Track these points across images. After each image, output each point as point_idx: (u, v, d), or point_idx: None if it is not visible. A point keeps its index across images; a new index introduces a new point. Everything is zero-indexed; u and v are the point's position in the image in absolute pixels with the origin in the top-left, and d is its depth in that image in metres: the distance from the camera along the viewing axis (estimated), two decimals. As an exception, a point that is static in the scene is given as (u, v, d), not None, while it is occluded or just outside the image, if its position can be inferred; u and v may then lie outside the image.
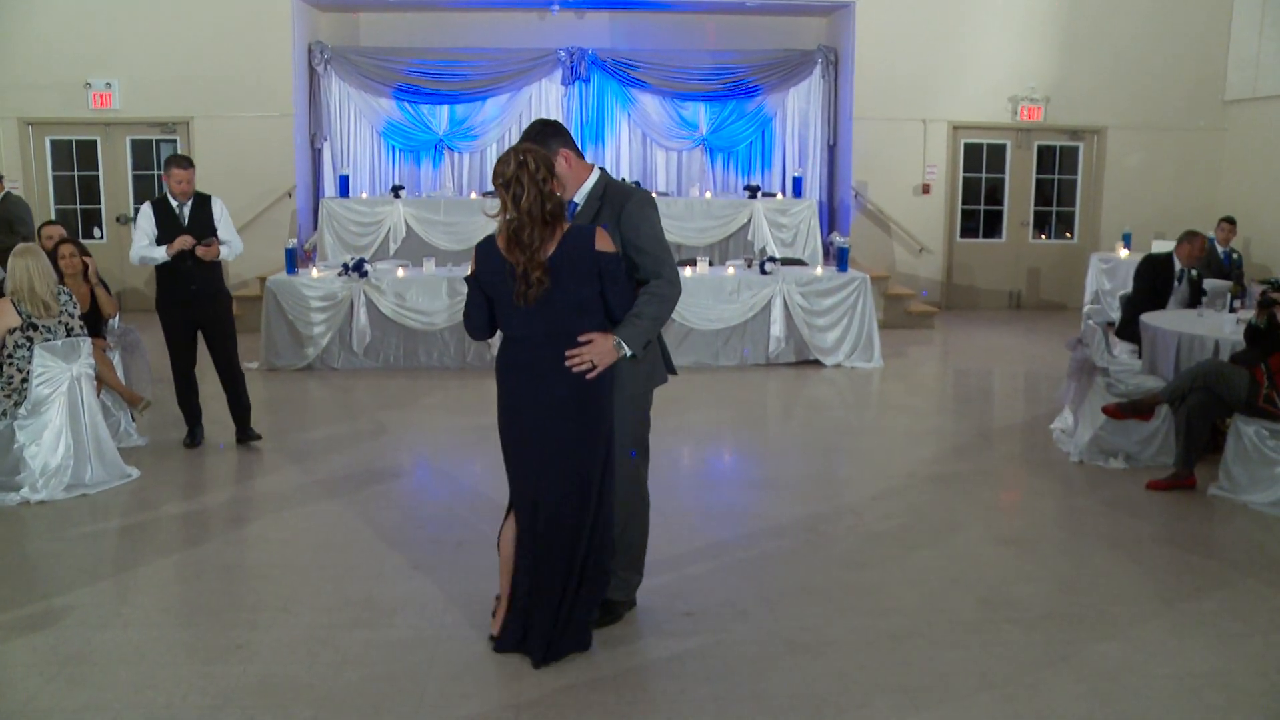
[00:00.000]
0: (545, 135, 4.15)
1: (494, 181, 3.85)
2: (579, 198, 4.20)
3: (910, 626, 4.45)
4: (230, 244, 7.07)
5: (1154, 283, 8.68)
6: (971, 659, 4.16)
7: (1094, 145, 14.20)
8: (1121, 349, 8.24)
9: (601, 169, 4.29)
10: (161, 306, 7.08)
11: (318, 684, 3.94)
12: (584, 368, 3.87)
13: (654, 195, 4.24)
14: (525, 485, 4.01)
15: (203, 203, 7.00)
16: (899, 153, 13.78)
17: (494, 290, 3.91)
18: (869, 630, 4.41)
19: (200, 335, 7.16)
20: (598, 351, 3.88)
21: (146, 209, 6.99)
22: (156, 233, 6.90)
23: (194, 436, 7.20)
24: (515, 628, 4.13)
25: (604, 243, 3.87)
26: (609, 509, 4.06)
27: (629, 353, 3.96)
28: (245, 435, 7.26)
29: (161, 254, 6.84)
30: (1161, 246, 10.76)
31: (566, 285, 3.81)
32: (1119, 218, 13.80)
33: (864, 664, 4.11)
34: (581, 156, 4.24)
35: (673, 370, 4.41)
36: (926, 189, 13.92)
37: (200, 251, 6.82)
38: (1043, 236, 14.51)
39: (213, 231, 6.96)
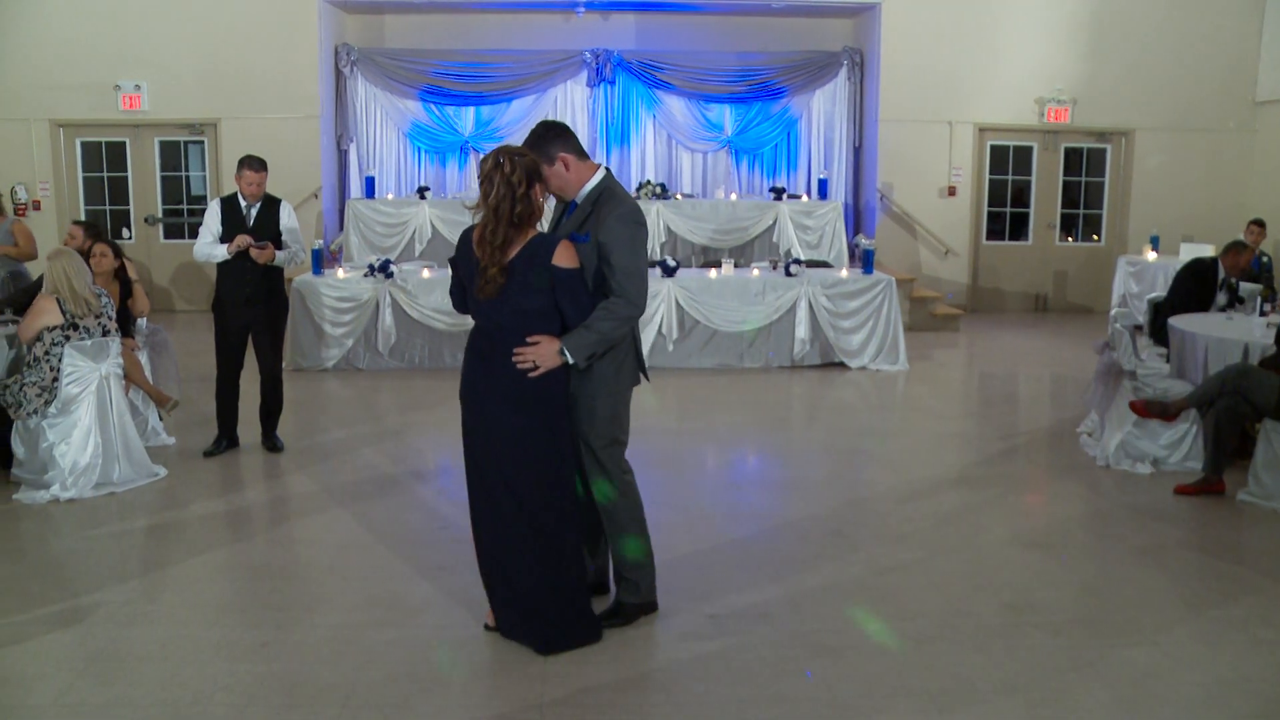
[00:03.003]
0: (545, 139, 4.20)
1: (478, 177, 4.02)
2: (579, 198, 4.24)
3: (934, 630, 4.44)
4: (291, 250, 6.99)
5: (1196, 288, 8.58)
6: (996, 664, 4.14)
7: (1122, 147, 14.10)
8: (1150, 352, 8.18)
9: (607, 170, 4.31)
10: (217, 306, 7.01)
11: (343, 683, 3.97)
12: (526, 366, 3.99)
13: (640, 215, 4.19)
14: (474, 466, 4.16)
15: (270, 205, 6.95)
16: (925, 155, 13.74)
17: (465, 278, 4.10)
18: (893, 633, 4.39)
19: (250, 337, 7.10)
20: (541, 354, 4.00)
21: (214, 206, 6.95)
22: (221, 230, 6.86)
23: (219, 445, 7.11)
24: (507, 613, 4.21)
25: (563, 257, 3.96)
26: (566, 500, 4.15)
27: (571, 360, 4.03)
28: (270, 441, 7.24)
29: (223, 252, 6.79)
30: (1191, 249, 10.70)
31: (521, 288, 3.95)
32: (1147, 220, 13.69)
33: (887, 667, 4.10)
34: (586, 158, 4.27)
35: (645, 374, 4.44)
36: (952, 191, 13.87)
37: (253, 253, 6.77)
38: (1069, 239, 14.43)
39: (277, 235, 6.91)
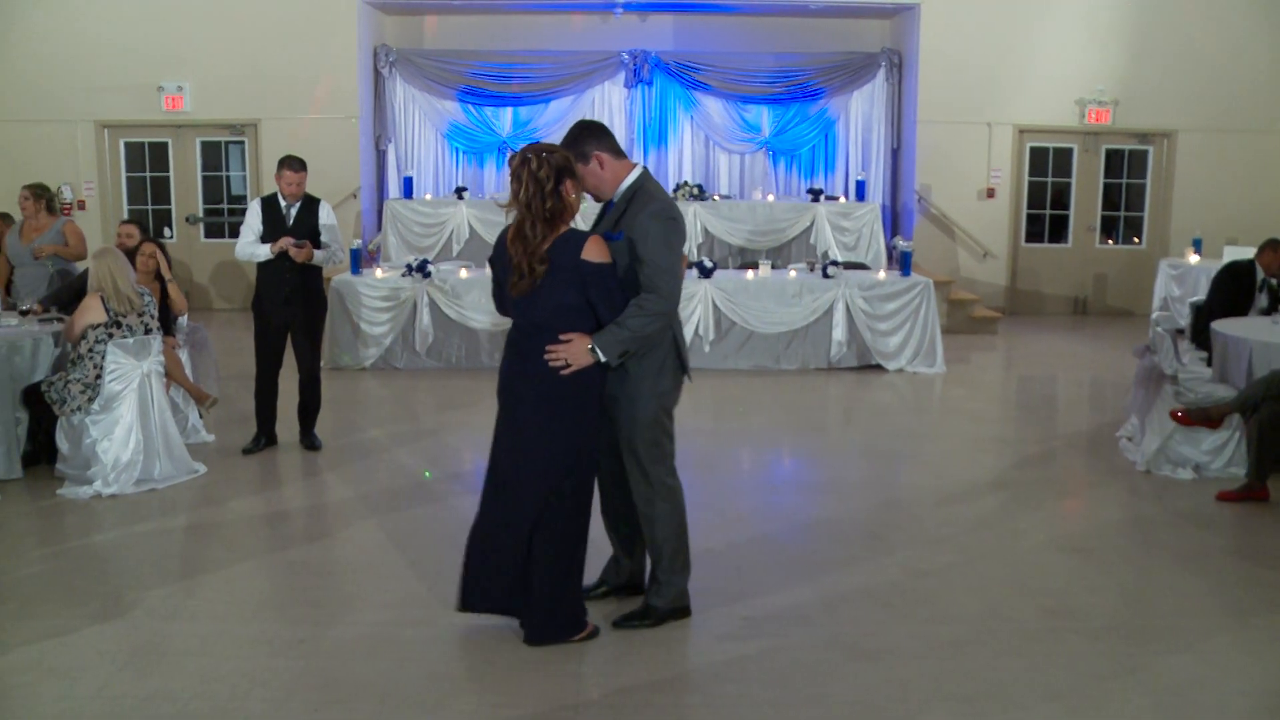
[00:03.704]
0: (580, 138, 4.22)
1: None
2: (616, 197, 4.25)
3: (971, 634, 4.40)
4: (330, 249, 7.01)
5: (1234, 291, 8.46)
6: (1034, 669, 4.10)
7: (1164, 149, 13.93)
8: (1191, 356, 8.08)
9: (644, 169, 4.31)
10: (257, 304, 7.06)
11: (379, 680, 3.99)
12: (558, 364, 3.99)
13: (676, 211, 4.17)
14: (495, 455, 4.23)
15: (310, 205, 6.98)
16: (963, 156, 13.63)
17: (501, 276, 4.13)
18: (929, 637, 4.37)
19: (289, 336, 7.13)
20: (573, 352, 4.00)
21: (255, 206, 7.00)
22: (262, 230, 6.89)
23: (257, 443, 7.16)
24: (472, 586, 4.24)
25: (593, 252, 3.97)
26: (585, 505, 4.18)
27: (603, 359, 4.01)
28: (308, 440, 7.27)
29: (265, 251, 6.82)
30: (1234, 252, 10.53)
31: (552, 285, 3.96)
32: (1189, 222, 13.52)
33: (924, 672, 4.07)
34: (623, 157, 4.27)
35: (687, 374, 4.39)
36: (991, 193, 13.76)
37: (292, 252, 6.79)
38: (1110, 242, 14.27)
39: (316, 234, 6.94)
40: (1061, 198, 14.15)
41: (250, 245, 6.90)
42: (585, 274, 3.96)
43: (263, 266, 6.93)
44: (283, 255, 6.83)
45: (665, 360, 4.25)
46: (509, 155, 4.05)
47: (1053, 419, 8.62)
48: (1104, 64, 13.52)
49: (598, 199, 4.34)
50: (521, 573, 4.17)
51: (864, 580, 4.96)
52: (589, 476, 4.21)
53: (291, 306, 6.97)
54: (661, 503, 4.31)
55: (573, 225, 4.06)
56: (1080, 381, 10.07)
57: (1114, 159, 14.06)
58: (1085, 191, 14.09)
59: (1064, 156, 14.01)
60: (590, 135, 4.24)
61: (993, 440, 7.74)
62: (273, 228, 6.89)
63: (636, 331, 4.03)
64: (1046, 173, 14.05)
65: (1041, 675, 4.05)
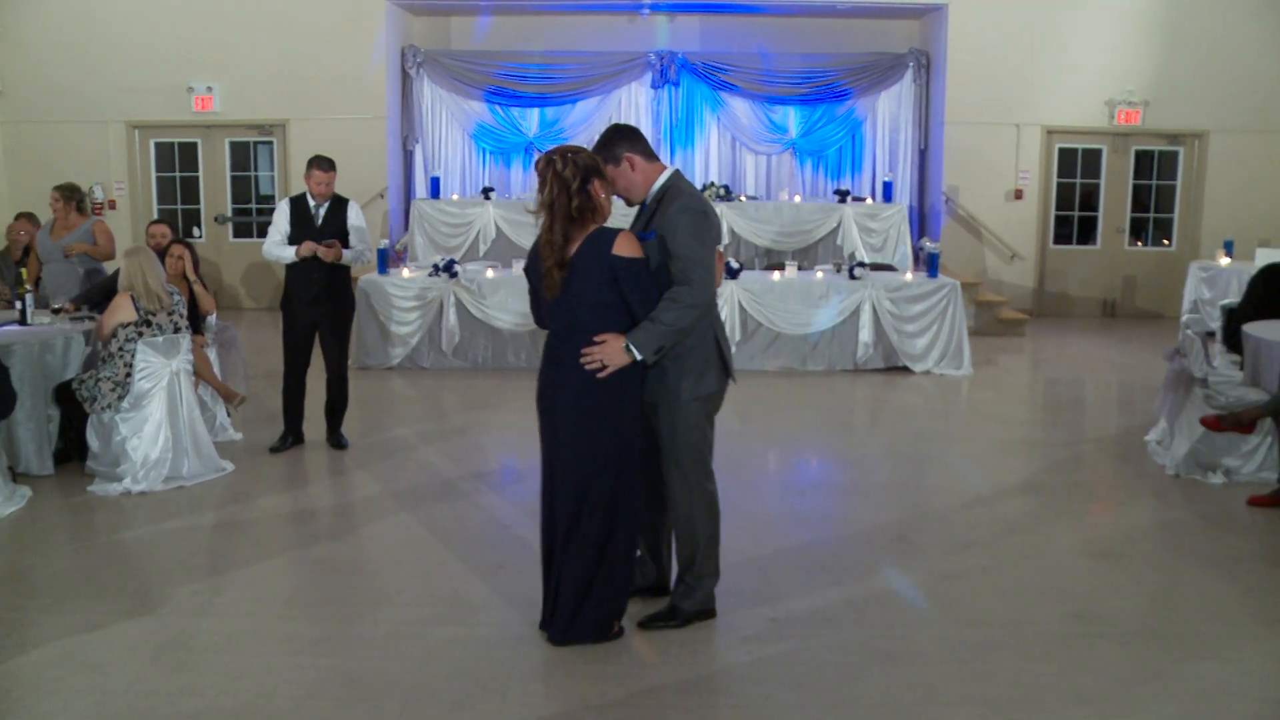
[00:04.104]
0: (612, 140, 4.24)
1: None
2: (648, 199, 4.26)
3: (998, 638, 4.38)
4: (358, 249, 7.04)
5: (1269, 294, 8.35)
6: (1062, 674, 4.08)
7: (1195, 150, 13.81)
8: (1222, 360, 8.00)
9: (676, 171, 4.30)
10: (286, 304, 7.08)
11: (404, 678, 4.01)
12: (594, 366, 3.97)
13: (706, 205, 4.15)
14: (543, 461, 4.22)
15: (338, 205, 7.00)
16: (991, 158, 13.56)
17: (536, 282, 4.11)
18: (956, 641, 4.35)
19: (317, 335, 7.16)
20: (608, 352, 3.98)
21: (284, 206, 7.01)
22: (290, 230, 6.92)
23: (284, 441, 7.19)
24: (548, 598, 4.26)
25: (624, 247, 3.96)
26: (623, 509, 4.14)
27: (639, 356, 3.99)
28: (335, 438, 7.30)
29: (290, 254, 6.86)
30: (1267, 254, 10.43)
31: (584, 284, 3.96)
32: (1220, 224, 13.38)
33: (950, 675, 4.05)
34: (654, 159, 4.27)
35: (730, 377, 4.38)
36: (1019, 194, 13.68)
37: (321, 253, 6.82)
38: (1139, 244, 14.16)
39: (344, 234, 6.96)
40: (1090, 199, 14.05)
41: (277, 247, 6.93)
42: (617, 269, 3.95)
43: (291, 266, 6.96)
44: (308, 258, 6.86)
45: (707, 362, 4.24)
46: (535, 158, 4.05)
47: (1081, 422, 8.56)
48: (1134, 64, 13.41)
49: (629, 202, 4.33)
50: (554, 573, 4.18)
51: (890, 583, 4.95)
52: (628, 482, 4.15)
53: (320, 306, 7.00)
54: (698, 506, 4.31)
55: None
56: (1109, 384, 10.00)
57: (1144, 160, 13.95)
58: (1114, 193, 13.98)
59: (1093, 157, 13.91)
60: (622, 138, 4.25)
61: (1020, 443, 7.69)
62: (301, 228, 6.92)
63: (671, 325, 4.00)
64: (1075, 174, 13.96)
65: (1069, 680, 4.03)
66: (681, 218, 4.07)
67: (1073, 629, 4.48)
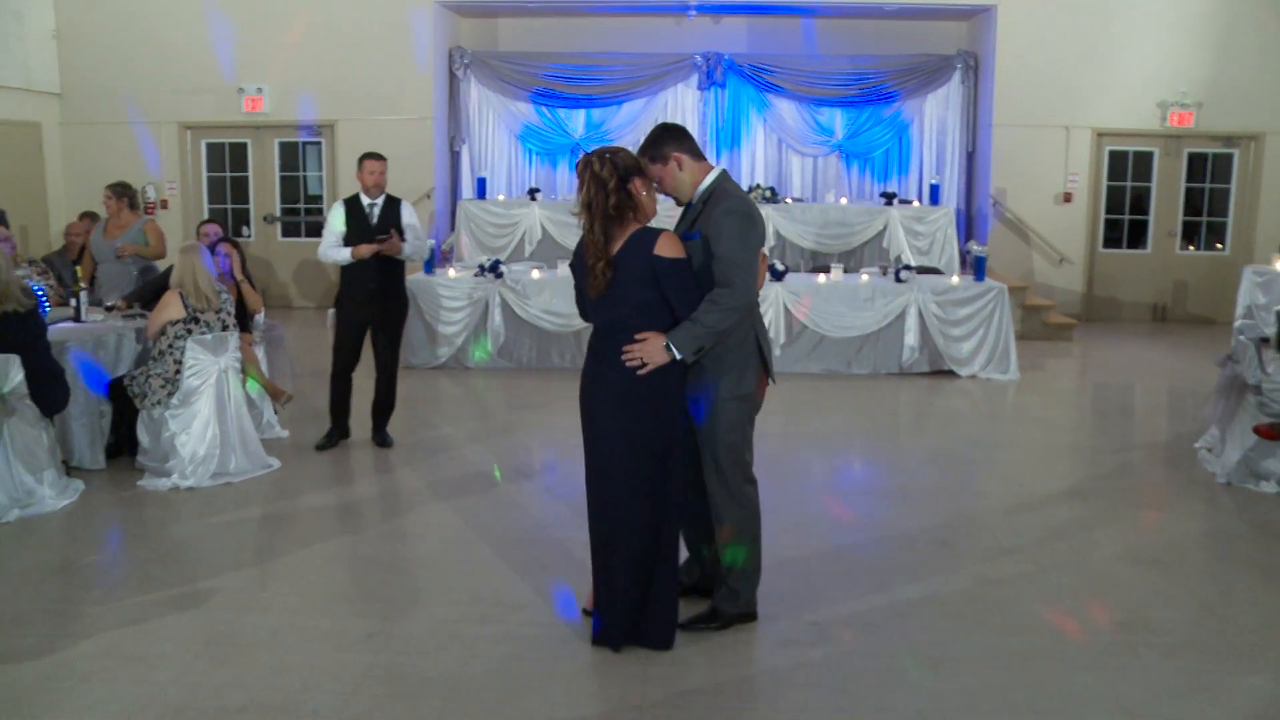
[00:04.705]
0: (660, 139, 4.25)
1: None
2: (695, 199, 4.26)
3: (1042, 646, 4.33)
4: (416, 246, 7.07)
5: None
6: (1106, 683, 4.02)
7: (1250, 152, 13.56)
8: (1277, 366, 7.86)
9: (723, 171, 4.30)
10: (340, 302, 7.14)
11: (445, 676, 4.03)
12: (635, 363, 3.99)
13: (751, 208, 4.13)
14: (588, 459, 4.22)
15: (392, 204, 7.04)
16: (1040, 160, 13.41)
17: (580, 277, 4.14)
18: (999, 647, 4.30)
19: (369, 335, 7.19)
20: (649, 350, 4.00)
21: (338, 207, 7.05)
22: (345, 230, 6.95)
23: (330, 439, 7.24)
24: (601, 602, 4.24)
25: (666, 247, 3.97)
26: (667, 508, 4.13)
27: (678, 355, 4.00)
28: (380, 437, 7.34)
29: (346, 255, 6.89)
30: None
31: (627, 283, 3.98)
32: (1276, 228, 13.15)
33: (992, 682, 4.01)
34: (702, 159, 4.28)
35: (771, 377, 4.36)
36: (1068, 197, 13.52)
37: (384, 248, 6.84)
38: (1191, 247, 13.93)
39: (400, 232, 6.99)
40: (1141, 202, 13.85)
41: (333, 249, 6.96)
42: (659, 269, 3.96)
43: (346, 266, 6.98)
44: (364, 257, 6.88)
45: (747, 362, 4.23)
46: (578, 160, 4.09)
47: (1129, 428, 8.44)
48: (1187, 65, 13.19)
49: (677, 201, 4.35)
50: (606, 577, 4.18)
51: (933, 588, 4.90)
52: (670, 482, 4.15)
53: (374, 305, 7.03)
54: (737, 509, 4.30)
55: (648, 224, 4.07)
56: (1159, 390, 9.86)
57: (1197, 163, 13.73)
58: (1166, 196, 13.77)
59: (1144, 160, 13.71)
60: (670, 137, 4.26)
61: (1067, 449, 7.60)
62: (357, 228, 6.94)
63: (711, 327, 4.01)
64: (1126, 177, 13.77)
65: (1113, 690, 3.97)
66: (727, 220, 4.07)
67: (1118, 638, 4.42)
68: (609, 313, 4.07)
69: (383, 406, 7.34)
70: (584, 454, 4.25)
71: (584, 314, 4.29)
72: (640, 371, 4.02)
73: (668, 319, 4.04)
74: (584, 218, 4.02)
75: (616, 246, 3.99)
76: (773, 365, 4.38)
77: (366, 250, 6.86)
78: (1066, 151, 13.46)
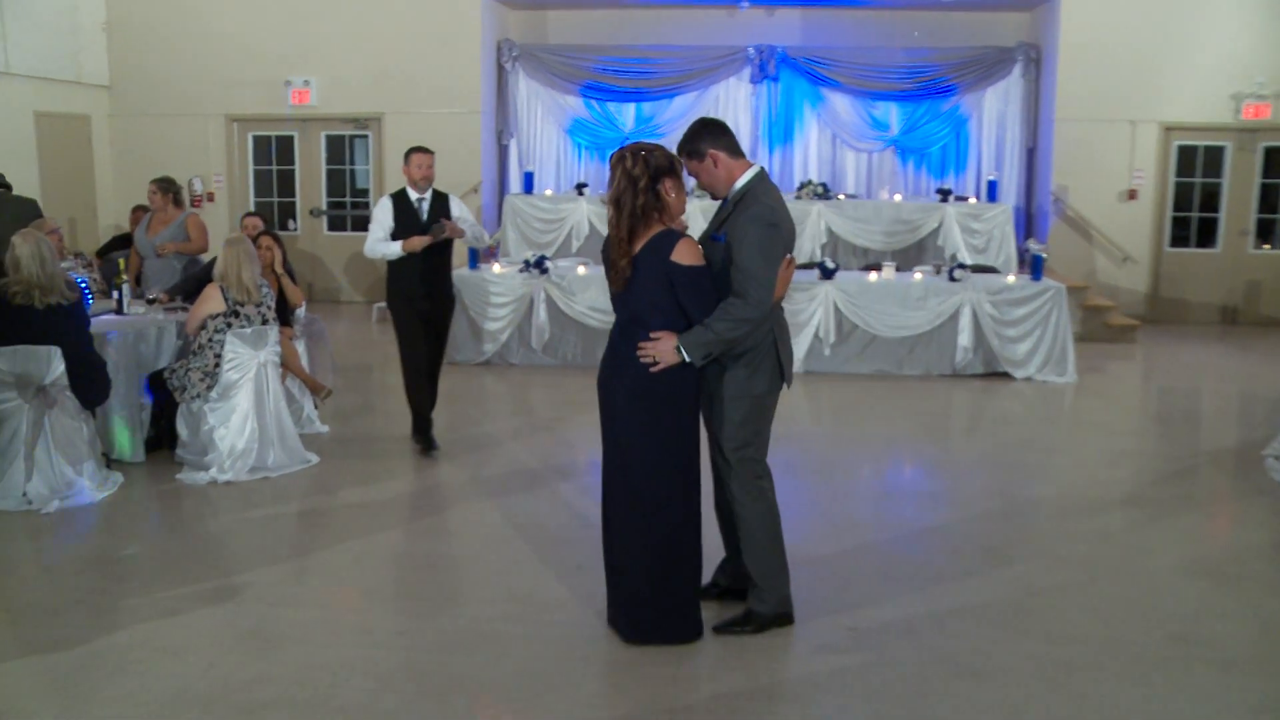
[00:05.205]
0: (698, 135, 4.28)
1: None
2: (730, 197, 4.27)
3: (1090, 658, 4.27)
4: (474, 230, 7.07)
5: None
6: (1157, 699, 3.96)
7: (1330, 147, 13.22)
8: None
9: (760, 170, 4.30)
10: (391, 300, 7.12)
11: (476, 675, 4.07)
12: (647, 360, 4.06)
13: (777, 217, 4.13)
14: (604, 452, 4.33)
15: (440, 199, 7.03)
16: (1104, 156, 13.20)
17: (606, 269, 4.20)
18: (1044, 658, 4.25)
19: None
20: (661, 350, 4.06)
21: (385, 202, 7.02)
22: (394, 226, 6.92)
23: (429, 439, 7.14)
24: (613, 596, 4.37)
25: (683, 254, 4.01)
26: (679, 505, 4.20)
27: (687, 358, 4.04)
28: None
29: (396, 249, 6.85)
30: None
31: (645, 282, 4.04)
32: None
33: (1035, 695, 3.97)
34: (740, 156, 4.28)
35: (787, 381, 4.36)
36: (1133, 194, 13.30)
37: (439, 236, 6.80)
38: (1266, 246, 13.62)
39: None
40: (1211, 199, 13.58)
41: (381, 244, 6.92)
42: (674, 275, 4.01)
43: (395, 265, 6.96)
44: (412, 255, 6.83)
45: (761, 362, 4.24)
46: (612, 154, 4.13)
47: (1193, 434, 8.31)
48: (1263, 55, 12.86)
49: (713, 196, 4.38)
50: (617, 569, 4.26)
51: (977, 595, 4.86)
52: (685, 477, 4.21)
53: (425, 303, 7.00)
54: (754, 505, 4.32)
55: (671, 226, 4.10)
56: (1226, 395, 9.68)
57: (1274, 157, 13.40)
58: (1239, 193, 13.48)
59: (1215, 155, 13.44)
60: (707, 133, 4.28)
61: (1125, 454, 7.49)
62: (405, 223, 6.91)
63: (720, 335, 4.04)
64: (1195, 173, 13.51)
65: (1164, 706, 3.91)
66: (750, 228, 4.08)
67: (1171, 651, 4.35)
68: (628, 309, 4.14)
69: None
70: (601, 445, 4.33)
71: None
72: (653, 369, 4.07)
73: (684, 320, 4.09)
74: (610, 212, 4.06)
75: (639, 245, 4.03)
76: (789, 369, 4.37)
77: (419, 242, 6.83)
78: (1132, 147, 13.24)
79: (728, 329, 4.03)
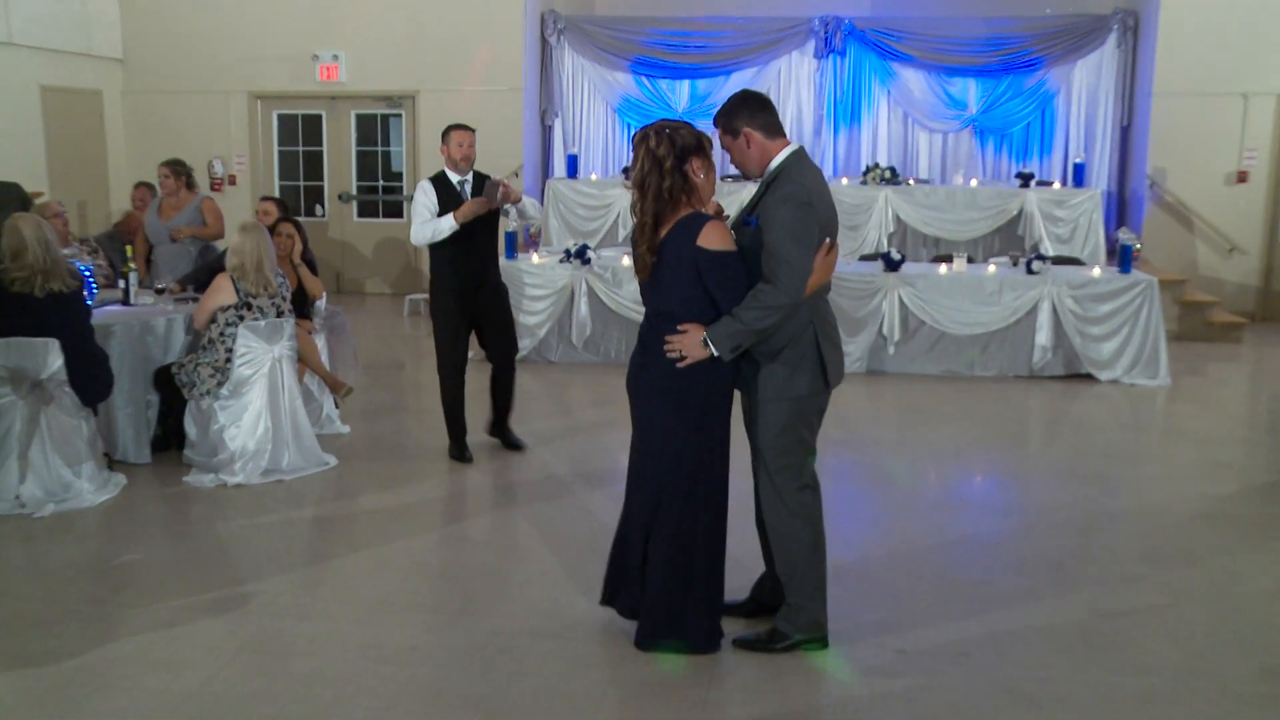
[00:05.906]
0: (734, 111, 4.27)
1: None
2: (764, 179, 4.27)
3: (1166, 690, 4.21)
4: (530, 203, 7.05)
5: None
6: (1237, 734, 3.91)
7: None
8: None
9: (798, 148, 4.27)
10: (434, 295, 7.07)
11: (489, 694, 4.10)
12: (674, 355, 4.07)
13: (811, 197, 4.07)
14: (631, 449, 4.39)
15: (481, 181, 6.95)
16: (1209, 134, 12.96)
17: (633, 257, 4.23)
18: (1112, 689, 4.20)
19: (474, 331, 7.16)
20: (687, 343, 4.07)
21: (425, 185, 6.98)
22: (438, 208, 6.86)
23: (464, 449, 7.14)
24: (611, 581, 4.51)
25: (710, 238, 4.00)
26: (705, 508, 4.23)
27: (715, 352, 4.03)
28: (506, 437, 7.37)
29: (449, 224, 6.74)
30: None
31: (671, 271, 4.05)
32: None
33: (1100, 726, 3.93)
34: (777, 135, 4.26)
35: (828, 383, 4.29)
36: (1243, 177, 13.04)
37: (503, 192, 6.69)
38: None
39: (494, 213, 6.91)
40: (1331, 184, 13.30)
41: (429, 224, 6.81)
42: (700, 261, 4.00)
43: (436, 256, 6.91)
44: (459, 239, 6.77)
45: (801, 361, 4.20)
46: (634, 133, 4.14)
47: (1298, 445, 8.16)
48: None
49: (745, 176, 4.40)
50: (639, 574, 4.31)
51: (1040, 617, 4.81)
52: (712, 480, 4.23)
53: (471, 296, 6.96)
54: (791, 519, 4.29)
55: (701, 209, 4.11)
56: (1338, 402, 9.50)
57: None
58: (1364, 176, 13.18)
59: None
60: (745, 109, 4.27)
61: (1221, 466, 7.36)
62: (448, 207, 6.84)
63: (749, 325, 4.01)
64: (1315, 153, 13.22)
65: (1245, 742, 3.86)
66: (782, 209, 4.05)
67: (1258, 687, 4.28)
68: (655, 300, 4.17)
69: (504, 404, 7.32)
70: (631, 444, 4.38)
71: None
72: (680, 364, 4.08)
73: (716, 311, 4.08)
74: (634, 195, 4.08)
75: (665, 230, 4.04)
76: (835, 370, 4.30)
77: (474, 206, 6.72)
78: (1243, 123, 12.97)
79: (756, 318, 4.00)
